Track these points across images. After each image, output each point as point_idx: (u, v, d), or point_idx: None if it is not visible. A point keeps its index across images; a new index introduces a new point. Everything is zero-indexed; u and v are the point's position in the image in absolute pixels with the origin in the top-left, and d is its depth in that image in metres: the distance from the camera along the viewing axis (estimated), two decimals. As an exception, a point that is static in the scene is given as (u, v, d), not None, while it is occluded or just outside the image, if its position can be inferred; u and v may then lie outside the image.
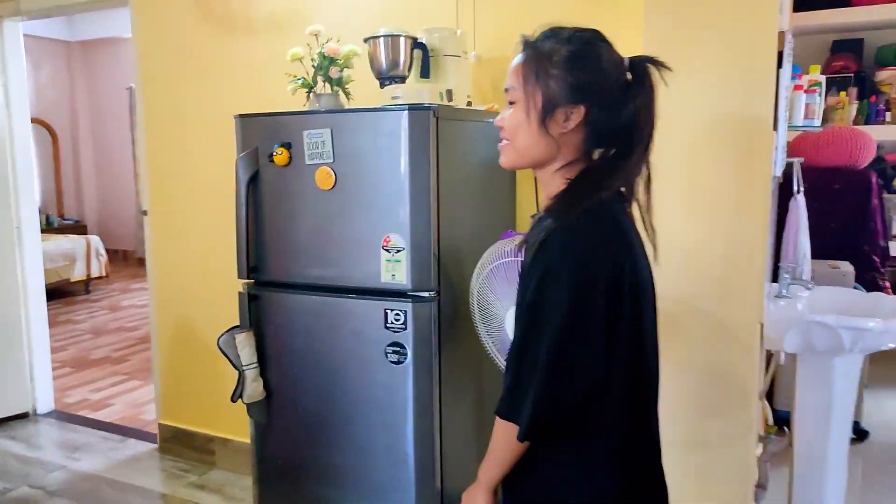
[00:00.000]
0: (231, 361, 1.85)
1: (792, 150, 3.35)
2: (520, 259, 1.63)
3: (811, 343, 2.05)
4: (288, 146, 1.78)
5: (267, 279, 1.89)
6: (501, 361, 1.77)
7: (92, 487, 2.80)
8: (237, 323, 1.91)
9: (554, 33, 1.06)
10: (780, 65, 1.93)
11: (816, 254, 3.23)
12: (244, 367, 1.85)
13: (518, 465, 1.11)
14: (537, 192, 2.14)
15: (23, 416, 3.51)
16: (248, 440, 2.78)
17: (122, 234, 8.58)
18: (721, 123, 1.82)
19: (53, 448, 3.21)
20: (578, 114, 1.03)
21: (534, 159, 1.09)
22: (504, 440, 1.08)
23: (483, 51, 2.20)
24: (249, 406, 1.89)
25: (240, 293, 1.90)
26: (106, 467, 2.98)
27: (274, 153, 1.79)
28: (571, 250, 1.00)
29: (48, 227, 7.22)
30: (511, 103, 1.08)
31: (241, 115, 1.89)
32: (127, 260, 8.56)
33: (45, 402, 3.60)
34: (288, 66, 2.02)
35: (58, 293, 6.22)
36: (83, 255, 6.49)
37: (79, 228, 7.76)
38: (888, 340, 2.01)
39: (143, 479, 2.88)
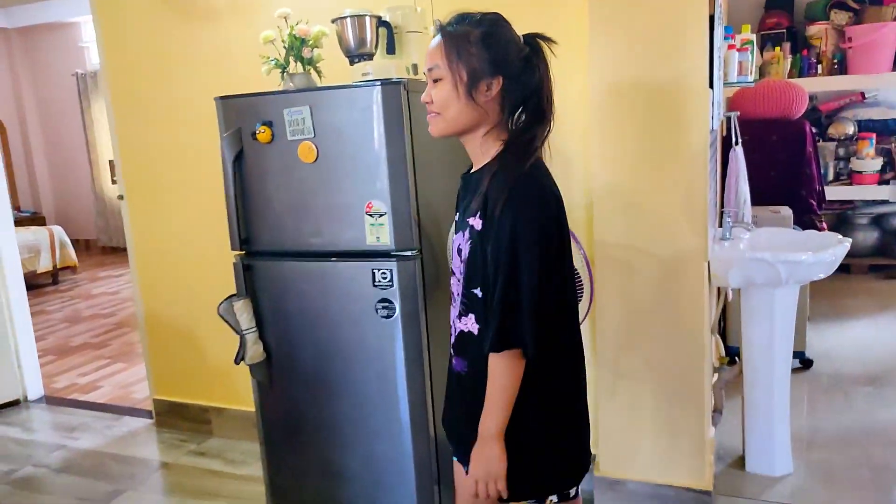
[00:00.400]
0: (232, 327, 2.00)
1: (732, 104, 3.60)
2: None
3: (752, 278, 2.29)
4: (270, 124, 1.92)
5: (258, 249, 2.03)
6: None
7: (95, 462, 2.93)
8: (226, 295, 2.05)
9: (464, 17, 1.27)
10: (713, 27, 2.13)
11: (759, 200, 3.50)
12: (244, 332, 2.00)
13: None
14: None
15: (14, 404, 3.60)
16: (242, 407, 2.96)
17: (82, 222, 8.49)
18: (661, 83, 2.01)
19: (50, 430, 3.32)
20: (497, 83, 1.25)
21: (463, 126, 1.29)
22: (507, 373, 1.23)
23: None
24: (252, 367, 2.05)
25: (234, 263, 2.04)
26: (105, 443, 3.11)
27: (257, 131, 1.93)
28: (535, 196, 1.23)
29: (7, 221, 7.11)
30: (436, 80, 1.27)
31: (222, 97, 2.00)
32: (90, 249, 8.49)
33: (34, 389, 3.69)
34: (257, 48, 2.14)
35: (26, 285, 6.20)
36: (47, 246, 6.46)
37: (37, 220, 7.67)
38: (818, 271, 2.27)
39: (144, 450, 3.02)
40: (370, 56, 2.08)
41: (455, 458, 1.48)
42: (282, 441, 2.14)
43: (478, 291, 1.28)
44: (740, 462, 2.54)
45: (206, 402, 3.12)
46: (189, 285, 3.03)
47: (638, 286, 2.15)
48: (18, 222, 7.37)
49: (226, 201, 2.00)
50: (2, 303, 3.54)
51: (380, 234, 1.86)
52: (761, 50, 4.49)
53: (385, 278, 1.87)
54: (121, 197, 3.14)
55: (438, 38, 1.27)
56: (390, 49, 2.11)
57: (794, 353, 2.57)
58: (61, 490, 2.72)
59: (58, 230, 6.68)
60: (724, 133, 3.39)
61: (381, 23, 2.08)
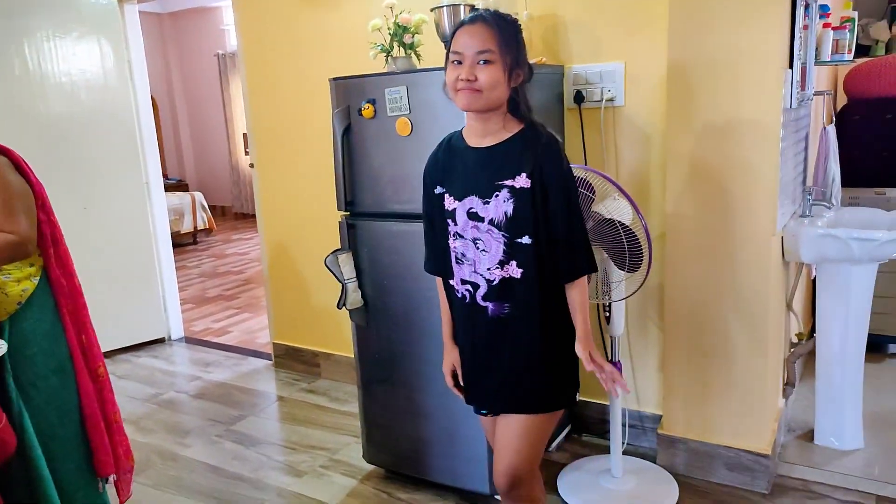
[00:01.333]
0: (336, 276, 2.34)
1: (846, 83, 3.51)
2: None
3: (824, 254, 2.35)
4: (373, 102, 2.21)
5: (360, 210, 2.35)
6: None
7: (224, 392, 3.44)
8: (332, 249, 2.38)
9: (503, 16, 1.51)
10: (795, 5, 2.19)
11: (868, 181, 3.42)
12: (346, 281, 2.34)
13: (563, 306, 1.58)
14: (583, 130, 2.51)
15: (160, 341, 4.22)
16: (347, 354, 3.35)
17: (219, 190, 9.35)
18: (736, 59, 2.11)
19: (189, 364, 3.89)
20: (524, 73, 1.53)
21: (496, 104, 1.51)
22: (586, 291, 1.58)
23: (534, 10, 2.54)
24: (351, 312, 2.39)
25: (339, 222, 2.37)
26: (233, 377, 3.62)
27: (362, 108, 2.23)
28: (567, 159, 1.57)
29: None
30: (487, 62, 1.45)
31: (335, 78, 2.32)
32: (225, 215, 9.36)
33: (176, 330, 4.30)
34: (366, 34, 2.45)
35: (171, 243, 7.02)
36: (189, 209, 7.25)
37: (182, 186, 8.57)
38: (893, 250, 2.29)
39: (264, 385, 3.49)
40: (463, 41, 2.32)
41: (488, 414, 1.72)
42: (374, 380, 2.47)
43: (525, 240, 1.51)
44: (810, 435, 2.61)
45: (316, 348, 3.55)
46: (304, 243, 3.44)
47: (708, 257, 2.27)
48: (166, 188, 8.30)
49: (334, 168, 2.33)
50: (153, 257, 4.15)
51: (462, 198, 2.11)
52: (889, 24, 4.28)
53: (465, 238, 2.13)
54: (251, 165, 3.59)
55: (488, 26, 1.47)
56: (481, 34, 2.34)
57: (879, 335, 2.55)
58: (196, 411, 3.23)
59: (199, 196, 7.48)
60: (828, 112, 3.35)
61: (473, 10, 2.32)
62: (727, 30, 2.10)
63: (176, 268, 4.28)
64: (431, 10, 2.34)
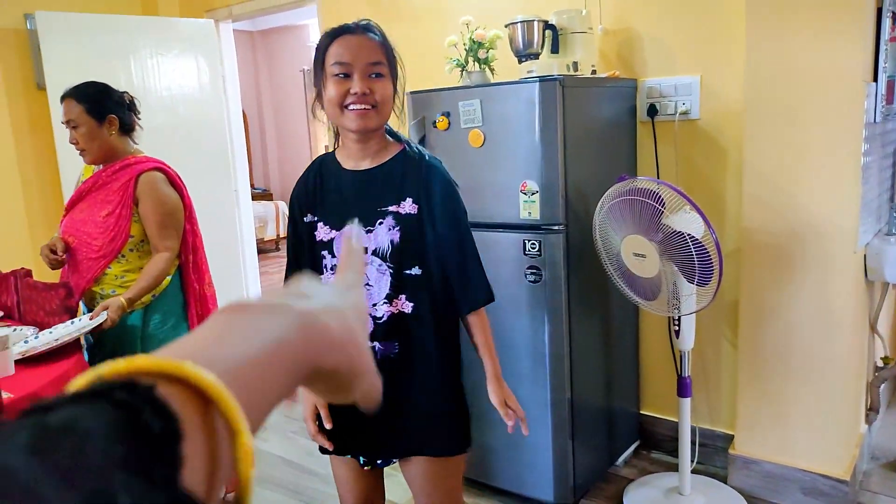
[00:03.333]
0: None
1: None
2: (622, 199, 2.03)
3: (912, 273, 2.24)
4: (447, 114, 2.29)
5: (433, 219, 2.43)
6: (619, 281, 2.19)
7: (300, 391, 3.58)
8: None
9: (379, 28, 1.41)
10: (881, 19, 2.12)
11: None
12: (417, 287, 2.42)
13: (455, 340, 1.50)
14: (656, 143, 2.51)
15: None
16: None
17: (301, 200, 9.70)
18: (816, 75, 2.07)
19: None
20: (400, 92, 1.42)
21: (383, 124, 1.40)
22: (487, 322, 1.50)
23: (608, 24, 2.57)
24: (421, 317, 2.47)
25: (413, 230, 2.46)
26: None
27: (437, 120, 2.31)
28: (446, 170, 1.47)
29: (243, 196, 8.45)
30: (378, 76, 1.32)
31: (412, 92, 2.42)
32: (305, 223, 9.71)
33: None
34: (444, 49, 2.53)
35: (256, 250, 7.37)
36: (273, 217, 7.59)
37: (266, 196, 8.96)
38: None
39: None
40: (536, 56, 2.38)
41: (389, 461, 1.56)
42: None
43: (415, 271, 1.39)
44: None
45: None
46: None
47: (785, 274, 2.22)
48: (252, 197, 8.72)
49: (409, 178, 2.42)
50: (239, 261, 4.38)
51: (531, 209, 2.16)
52: None
53: (534, 248, 2.17)
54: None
55: (375, 36, 1.36)
56: (554, 49, 2.39)
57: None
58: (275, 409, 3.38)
59: (282, 205, 7.81)
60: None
61: (547, 26, 2.37)
62: (808, 42, 2.06)
63: (260, 274, 4.50)
64: (506, 25, 2.40)
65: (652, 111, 2.49)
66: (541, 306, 2.20)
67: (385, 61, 1.34)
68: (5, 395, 1.57)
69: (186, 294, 2.19)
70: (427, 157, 1.42)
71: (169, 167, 2.18)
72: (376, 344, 1.39)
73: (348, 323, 0.39)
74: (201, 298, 2.21)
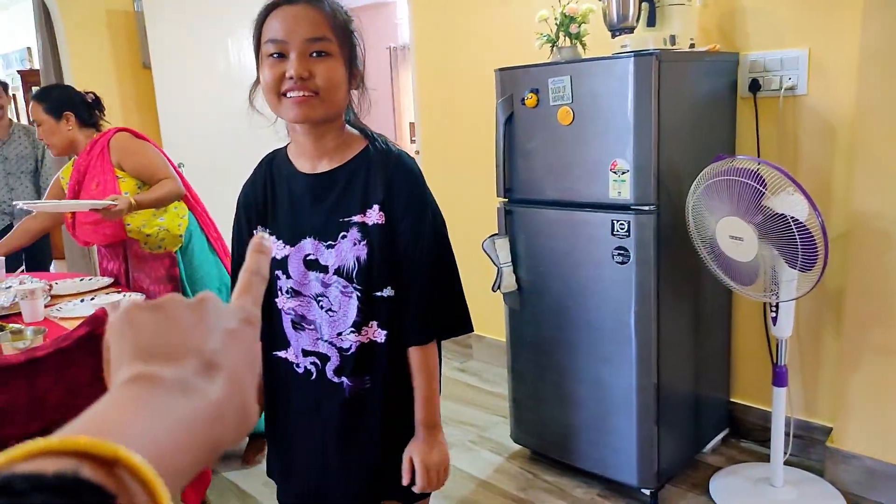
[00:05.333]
0: (492, 260, 2.42)
1: None
2: (719, 179, 1.94)
3: None
4: (536, 91, 2.26)
5: (519, 197, 2.41)
6: (713, 265, 2.11)
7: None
8: (495, 232, 2.47)
9: None
10: None
11: None
12: (501, 265, 2.41)
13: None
14: (758, 121, 2.38)
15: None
16: (498, 338, 3.43)
17: (385, 176, 9.85)
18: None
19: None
20: (361, 72, 1.17)
21: (335, 114, 1.13)
22: (437, 358, 1.23)
23: (708, -6, 2.44)
24: (505, 295, 2.46)
25: (498, 208, 2.45)
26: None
27: (525, 97, 2.28)
28: (417, 165, 1.24)
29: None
30: (322, 53, 1.06)
31: (500, 69, 2.39)
32: (389, 198, 9.86)
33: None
34: (532, 25, 2.48)
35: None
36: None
37: (352, 171, 9.13)
38: None
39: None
40: (631, 29, 2.29)
41: None
42: (525, 363, 2.53)
43: (387, 292, 1.17)
44: None
45: (470, 330, 3.66)
46: (463, 227, 3.55)
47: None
48: (338, 173, 8.90)
49: (495, 156, 2.40)
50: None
51: (621, 189, 2.10)
52: None
53: (623, 229, 2.11)
54: (417, 153, 3.78)
55: (318, 6, 1.08)
56: (651, 22, 2.29)
57: None
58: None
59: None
60: None
61: (640, -4, 2.28)
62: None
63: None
64: (599, -2, 2.33)
65: (754, 87, 2.36)
66: (628, 288, 2.15)
67: (332, 37, 1.07)
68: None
69: (202, 225, 2.56)
70: (394, 151, 1.19)
71: (128, 128, 2.48)
72: (343, 380, 1.19)
73: (246, 399, 0.39)
74: (213, 225, 2.60)
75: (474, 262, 3.53)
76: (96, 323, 1.53)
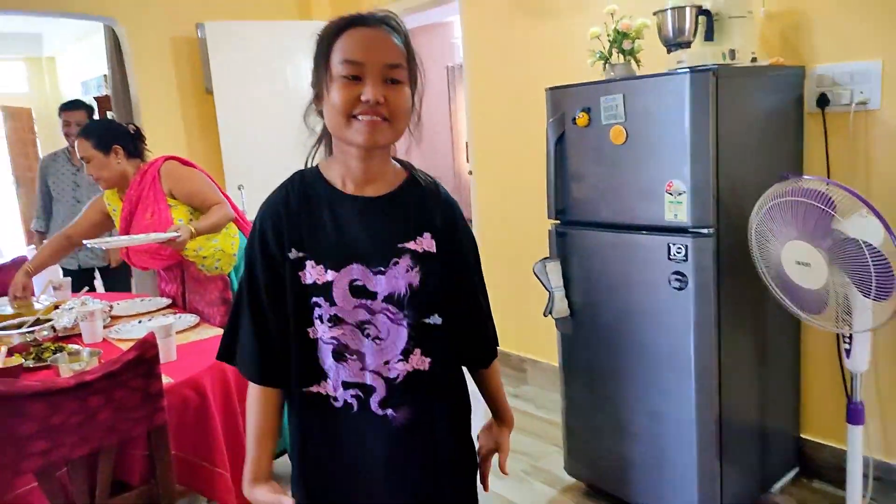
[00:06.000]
0: (543, 284, 2.36)
1: None
2: (784, 201, 1.83)
3: None
4: (588, 110, 2.19)
5: (570, 219, 2.34)
6: (778, 292, 1.98)
7: (436, 386, 3.62)
8: (546, 255, 2.41)
9: (402, 23, 1.12)
10: None
11: None
12: (553, 289, 2.34)
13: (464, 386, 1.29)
14: (827, 138, 2.25)
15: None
16: (553, 362, 3.35)
17: (442, 194, 9.89)
18: None
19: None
20: (421, 102, 1.16)
21: (395, 142, 1.14)
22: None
23: (771, 6, 2.33)
24: (557, 320, 2.39)
25: (549, 230, 2.39)
26: (445, 373, 3.80)
27: (576, 116, 2.22)
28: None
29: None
30: (396, 82, 1.07)
31: (551, 88, 2.34)
32: (447, 217, 9.88)
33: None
34: (587, 42, 2.43)
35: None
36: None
37: (410, 190, 9.19)
38: None
39: (470, 384, 3.61)
40: (688, 44, 2.21)
41: None
42: (579, 391, 2.44)
43: (434, 319, 1.16)
44: None
45: (524, 353, 3.59)
46: (515, 248, 3.50)
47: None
48: (396, 192, 8.97)
49: (546, 176, 2.34)
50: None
51: (677, 211, 2.01)
52: None
53: (680, 253, 2.02)
54: (470, 172, 3.75)
55: (396, 34, 1.09)
56: (709, 36, 2.20)
57: None
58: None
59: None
60: None
61: (701, 11, 2.19)
62: None
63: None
64: (654, 13, 2.25)
65: (822, 101, 2.23)
66: (686, 315, 2.04)
67: (405, 65, 1.08)
68: (166, 381, 1.70)
69: None
70: (443, 190, 1.22)
71: (176, 156, 2.56)
72: (389, 411, 1.14)
73: None
74: None
75: (528, 284, 3.46)
76: (145, 347, 1.54)
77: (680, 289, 2.04)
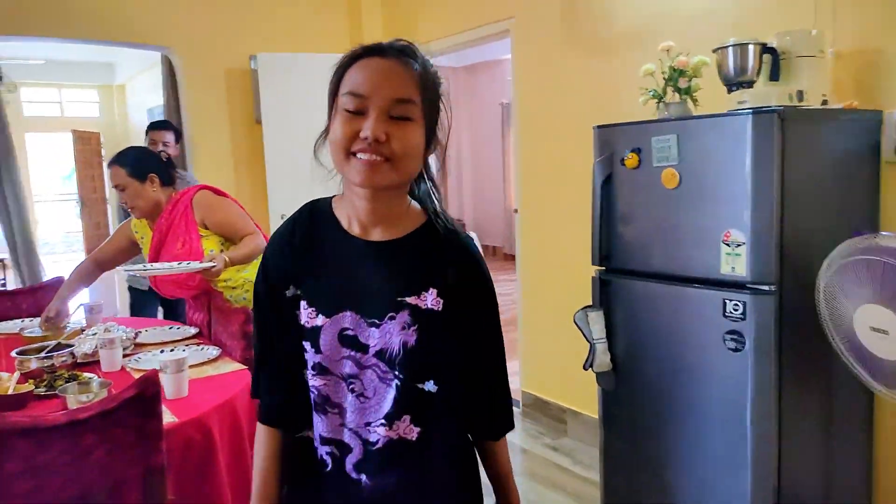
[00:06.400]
0: (584, 335, 2.19)
1: None
2: (858, 259, 1.63)
3: None
4: (638, 151, 2.04)
5: (616, 266, 2.18)
6: (850, 360, 1.76)
7: (470, 433, 3.45)
8: (589, 303, 2.24)
9: (421, 54, 1.01)
10: None
11: None
12: (595, 341, 2.17)
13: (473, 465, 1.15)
14: None
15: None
16: (595, 415, 3.14)
17: (492, 231, 9.78)
18: None
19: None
20: (439, 142, 1.04)
21: (404, 183, 1.02)
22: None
23: (844, 46, 2.15)
24: (598, 375, 2.21)
25: (593, 277, 2.22)
26: (480, 420, 3.62)
27: (626, 157, 2.07)
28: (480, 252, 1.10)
29: (437, 225, 8.67)
30: (404, 119, 0.95)
31: (599, 126, 2.20)
32: (496, 255, 9.74)
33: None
34: (639, 79, 2.29)
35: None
36: (463, 248, 7.66)
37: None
38: None
39: (509, 434, 3.43)
40: (750, 84, 2.05)
41: None
42: (620, 451, 2.25)
43: (429, 386, 1.02)
44: None
45: (564, 403, 3.39)
46: (558, 292, 3.33)
47: None
48: (445, 227, 8.90)
49: (591, 220, 2.19)
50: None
51: (735, 263, 1.82)
52: None
53: (737, 310, 1.83)
54: (516, 210, 3.62)
55: (410, 65, 0.97)
56: (774, 76, 2.04)
57: None
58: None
59: (472, 236, 7.86)
60: None
61: (765, 49, 2.03)
62: None
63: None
64: (714, 50, 2.10)
65: (902, 149, 2.02)
66: (742, 377, 1.85)
67: (418, 99, 0.96)
68: (170, 420, 1.60)
69: None
70: (462, 236, 1.06)
71: (209, 185, 2.54)
72: (363, 477, 1.02)
73: None
74: None
75: (571, 328, 3.27)
76: (146, 385, 1.45)
77: (736, 350, 1.84)
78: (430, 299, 1.01)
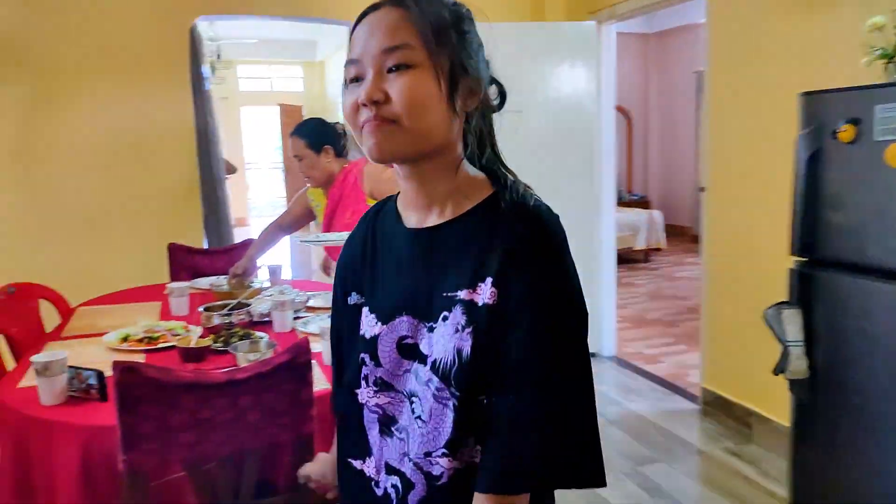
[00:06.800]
0: (776, 335, 1.91)
1: None
2: None
3: None
4: (856, 122, 1.71)
5: (821, 258, 1.86)
6: None
7: (642, 426, 3.24)
8: (783, 299, 1.94)
9: None
10: None
11: None
12: (788, 343, 1.88)
13: None
14: None
15: (592, 356, 4.26)
16: (786, 423, 2.78)
17: (680, 209, 9.15)
18: None
19: (612, 386, 3.81)
20: (481, 88, 0.83)
21: (434, 146, 0.81)
22: None
23: None
24: (791, 382, 1.92)
25: (790, 269, 1.93)
26: (654, 413, 3.39)
27: (839, 129, 1.74)
28: (559, 228, 0.81)
29: (619, 201, 8.27)
30: (401, 67, 0.78)
31: (806, 93, 1.88)
32: (683, 235, 9.10)
33: (608, 348, 4.28)
34: (862, 36, 1.90)
35: (622, 259, 7.08)
36: (645, 227, 7.25)
37: (643, 203, 8.64)
38: None
39: (686, 432, 3.17)
40: None
41: None
42: (815, 469, 1.95)
43: (484, 399, 0.79)
44: None
45: (750, 406, 3.05)
46: (748, 282, 2.98)
47: None
48: (628, 204, 8.49)
49: (793, 202, 1.89)
50: (595, 271, 4.20)
51: (984, 262, 1.46)
52: None
53: (982, 319, 1.46)
54: (701, 189, 3.28)
55: (401, 7, 0.80)
56: None
57: None
58: (608, 439, 3.11)
59: (657, 215, 7.40)
60: None
61: None
62: None
63: (623, 285, 4.22)
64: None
65: None
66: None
67: (417, 41, 0.79)
68: (324, 387, 1.63)
69: None
70: (530, 206, 0.81)
71: None
72: None
73: None
74: None
75: (758, 326, 2.90)
76: (298, 351, 1.48)
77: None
78: (486, 292, 0.79)
